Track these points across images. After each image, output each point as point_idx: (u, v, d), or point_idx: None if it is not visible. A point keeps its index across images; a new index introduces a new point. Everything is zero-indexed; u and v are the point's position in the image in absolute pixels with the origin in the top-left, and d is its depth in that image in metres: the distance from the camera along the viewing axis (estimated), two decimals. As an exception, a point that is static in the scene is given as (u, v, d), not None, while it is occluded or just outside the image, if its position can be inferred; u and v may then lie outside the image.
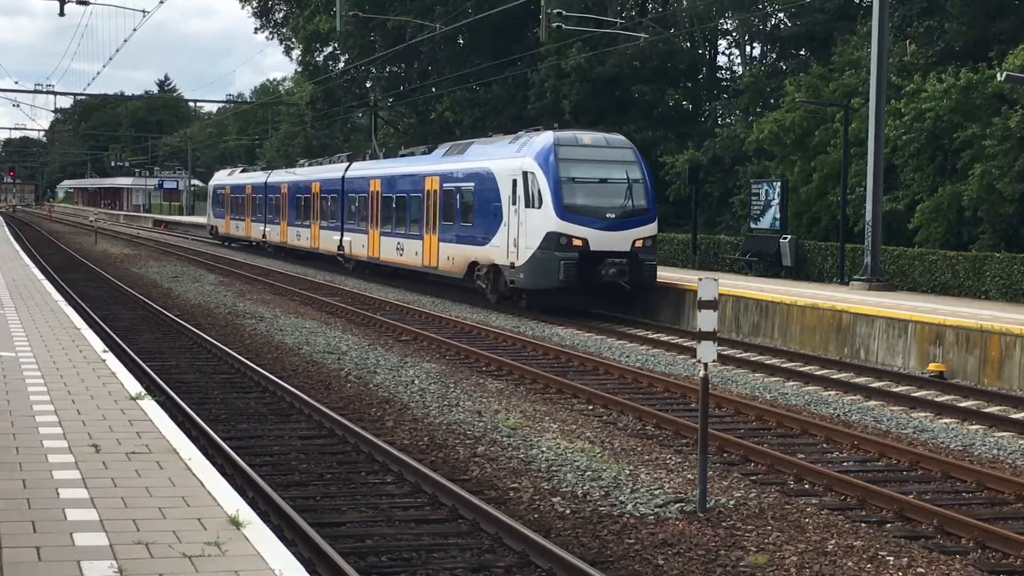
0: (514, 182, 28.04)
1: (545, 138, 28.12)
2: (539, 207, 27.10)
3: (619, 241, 27.09)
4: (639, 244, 27.26)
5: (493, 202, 29.14)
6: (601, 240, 26.91)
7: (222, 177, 67.80)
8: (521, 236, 27.58)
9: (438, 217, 32.72)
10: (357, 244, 40.98)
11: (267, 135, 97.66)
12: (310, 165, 51.28)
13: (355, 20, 57.10)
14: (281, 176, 53.47)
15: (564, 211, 26.78)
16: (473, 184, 30.49)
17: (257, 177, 58.49)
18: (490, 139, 33.18)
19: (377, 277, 39.32)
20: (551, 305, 27.61)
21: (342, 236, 42.59)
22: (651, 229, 27.84)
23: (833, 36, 41.08)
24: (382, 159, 42.55)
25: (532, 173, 27.43)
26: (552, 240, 26.78)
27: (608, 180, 27.75)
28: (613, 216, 27.17)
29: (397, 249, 36.46)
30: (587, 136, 28.96)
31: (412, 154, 38.50)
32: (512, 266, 27.94)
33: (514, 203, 28.03)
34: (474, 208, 30.33)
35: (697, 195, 37.35)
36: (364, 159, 44.84)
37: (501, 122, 53.32)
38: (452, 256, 31.74)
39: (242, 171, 65.24)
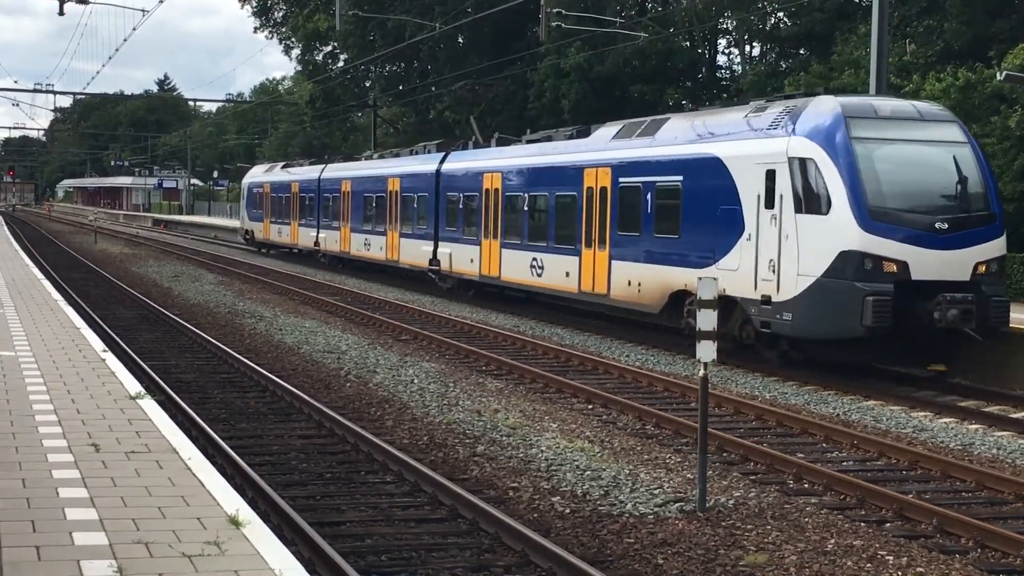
0: (769, 174, 19.13)
1: (823, 107, 19.17)
2: (825, 212, 18.25)
3: (955, 265, 18.24)
4: (982, 269, 18.44)
5: (722, 204, 20.24)
6: (927, 264, 18.05)
7: (259, 173, 57.35)
8: (786, 256, 18.66)
9: (610, 225, 24.01)
10: (462, 258, 31.66)
11: (267, 135, 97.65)
12: (380, 157, 42.56)
13: (355, 19, 57.14)
14: (341, 170, 44.13)
15: (870, 218, 17.96)
16: (680, 178, 21.70)
17: (306, 172, 48.64)
18: (695, 112, 23.98)
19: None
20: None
21: (436, 247, 33.40)
22: (998, 246, 18.74)
23: (833, 36, 41.08)
24: (495, 147, 32.16)
25: (810, 160, 18.50)
26: (850, 263, 17.92)
27: (931, 170, 18.88)
28: (944, 226, 18.19)
29: (534, 267, 27.38)
30: (886, 104, 19.79)
31: (549, 138, 29.12)
32: (766, 302, 19.04)
33: (768, 205, 19.08)
34: (681, 213, 21.59)
35: None
36: (465, 147, 34.73)
37: (501, 121, 53.35)
38: (637, 281, 22.88)
39: (284, 166, 54.53)
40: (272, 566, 6.61)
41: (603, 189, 24.42)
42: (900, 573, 9.36)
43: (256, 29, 76.02)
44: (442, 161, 33.82)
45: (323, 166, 46.61)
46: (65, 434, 10.05)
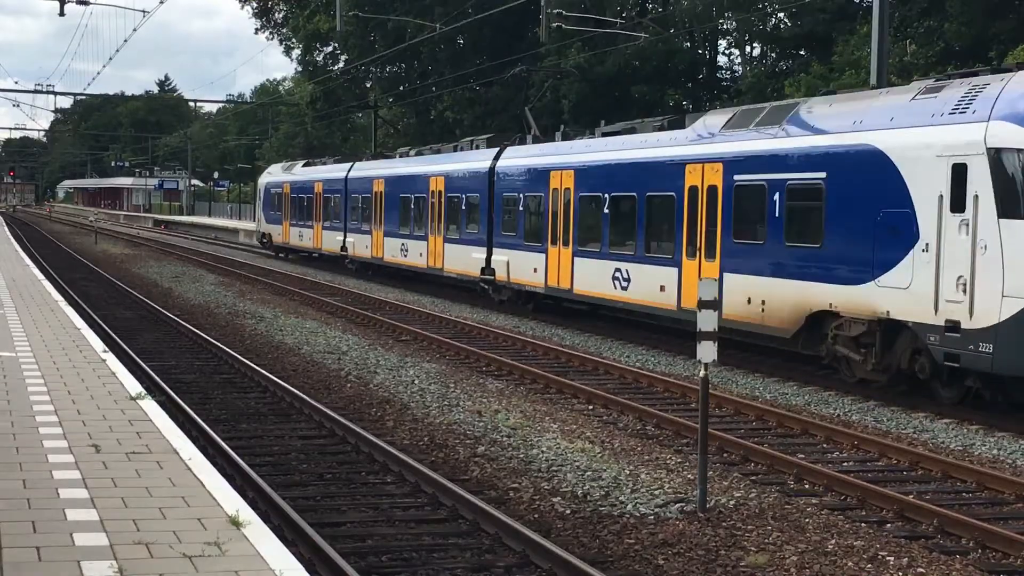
0: (957, 169, 15.55)
1: None
2: None
3: None
4: None
5: (885, 207, 16.76)
6: None
7: (278, 172, 53.27)
8: (985, 272, 15.12)
9: (721, 231, 20.37)
10: (523, 267, 27.94)
11: (267, 136, 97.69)
12: (418, 154, 38.46)
13: (355, 20, 57.16)
14: (372, 169, 40.49)
15: None
16: (822, 176, 17.97)
17: (332, 171, 45.04)
18: (834, 96, 19.48)
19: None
20: None
21: (490, 254, 29.85)
22: None
23: (833, 36, 41.10)
24: (561, 141, 28.25)
25: (1019, 152, 14.97)
26: None
27: None
28: None
29: (617, 279, 23.64)
30: None
31: (633, 130, 25.08)
32: (953, 328, 15.54)
33: (957, 208, 15.52)
34: (824, 217, 17.94)
35: None
36: (522, 142, 30.74)
37: (501, 122, 53.39)
38: (759, 299, 19.27)
39: (305, 164, 50.73)
40: (272, 566, 6.61)
41: (711, 189, 20.65)
42: (901, 574, 9.36)
43: (257, 30, 76.10)
44: (496, 158, 29.99)
45: (350, 164, 43.11)
46: (65, 435, 10.05)
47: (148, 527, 7.34)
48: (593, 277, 24.63)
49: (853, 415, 16.26)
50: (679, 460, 13.02)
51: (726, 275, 20.07)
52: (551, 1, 39.93)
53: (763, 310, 19.17)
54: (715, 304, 11.10)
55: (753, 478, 12.41)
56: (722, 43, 56.72)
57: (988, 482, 12.24)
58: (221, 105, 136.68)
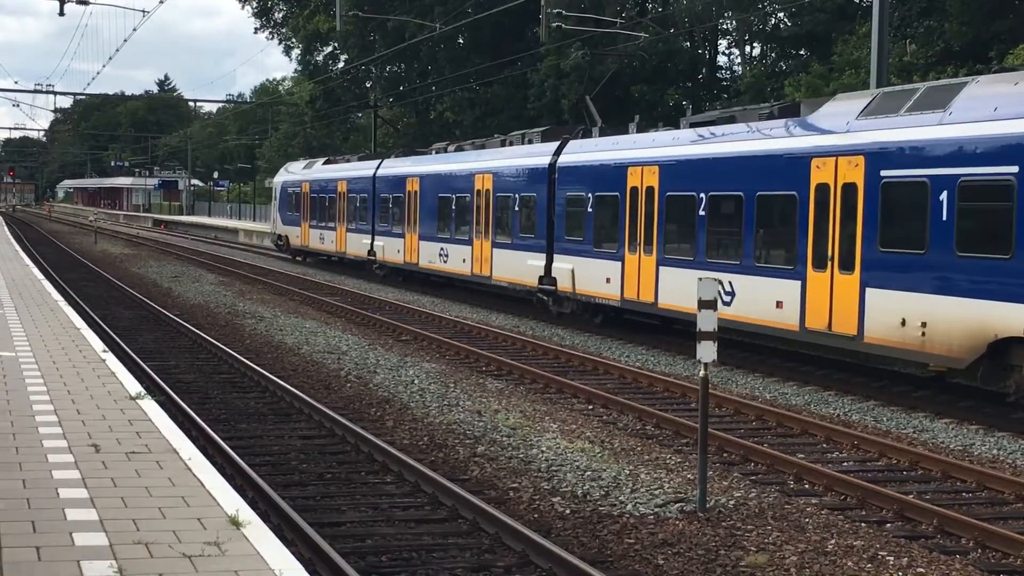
0: None
1: None
2: None
3: None
4: None
5: None
6: None
7: (296, 171, 49.47)
8: None
9: (862, 237, 17.30)
10: (592, 276, 24.52)
11: (267, 135, 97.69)
12: (458, 150, 34.49)
13: (355, 20, 57.15)
14: (405, 166, 36.84)
15: None
16: (1014, 170, 14.86)
17: (357, 169, 41.69)
18: (1010, 75, 16.70)
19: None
20: None
21: (551, 261, 26.40)
22: None
23: (833, 36, 41.12)
24: (636, 133, 24.72)
25: None
26: None
27: None
28: None
29: (732, 295, 19.89)
30: None
31: (732, 119, 21.78)
32: None
33: None
34: (1016, 220, 14.84)
35: None
36: (586, 135, 27.24)
37: (501, 122, 53.41)
38: (918, 320, 16.17)
39: (326, 161, 47.30)
40: (272, 566, 6.61)
41: (848, 187, 17.52)
42: (901, 573, 9.36)
43: (256, 30, 76.11)
44: (558, 153, 26.61)
45: (378, 161, 39.72)
46: (65, 434, 10.05)
47: (148, 527, 7.34)
48: (684, 290, 20.42)
49: (853, 415, 16.26)
50: (679, 460, 13.02)
51: (869, 290, 17.00)
52: (551, 1, 39.92)
53: (923, 334, 16.03)
54: (715, 304, 11.10)
55: (753, 478, 12.41)
56: (722, 43, 56.77)
57: (988, 482, 12.24)
58: (221, 105, 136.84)
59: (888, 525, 10.80)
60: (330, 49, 71.46)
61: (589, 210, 24.80)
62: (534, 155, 28.03)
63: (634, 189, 23.09)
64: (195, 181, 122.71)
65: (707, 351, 11.03)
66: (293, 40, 72.19)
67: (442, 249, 32.62)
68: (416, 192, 34.69)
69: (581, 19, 43.64)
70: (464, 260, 31.03)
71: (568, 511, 10.88)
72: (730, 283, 19.82)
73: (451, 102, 58.19)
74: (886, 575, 9.34)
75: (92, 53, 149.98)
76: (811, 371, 19.51)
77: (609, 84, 48.85)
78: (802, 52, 47.97)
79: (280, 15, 73.70)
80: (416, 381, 17.98)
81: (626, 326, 25.06)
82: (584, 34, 44.33)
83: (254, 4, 73.31)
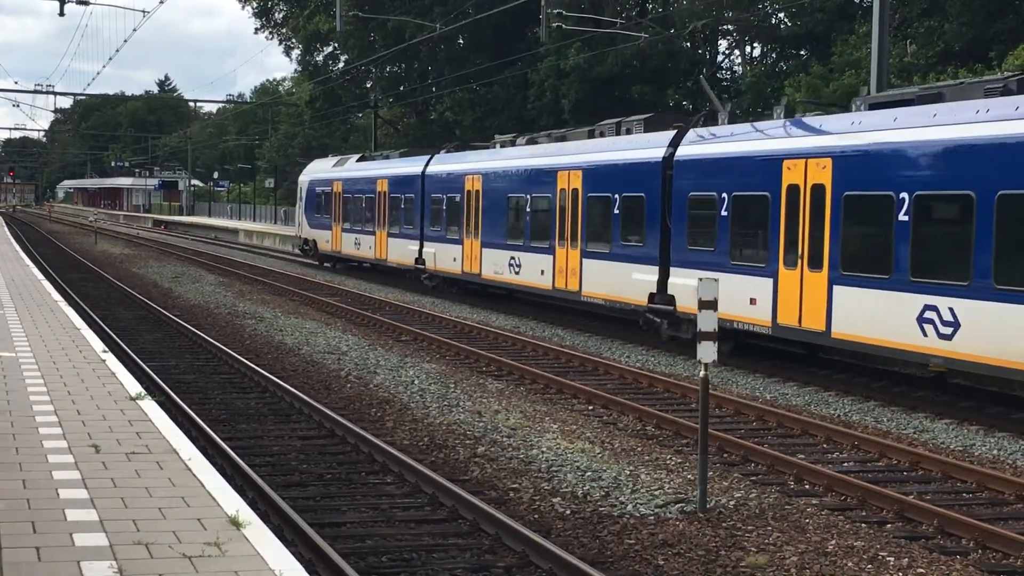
0: None
1: None
2: None
3: None
4: None
5: None
6: None
7: (326, 168, 44.92)
8: None
9: None
10: (732, 297, 19.29)
11: (267, 135, 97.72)
12: (530, 142, 29.69)
13: (355, 20, 57.14)
14: (463, 163, 32.15)
15: None
16: None
17: (401, 166, 37.05)
18: None
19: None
20: None
21: (666, 276, 22.04)
22: None
23: (833, 36, 41.12)
24: (783, 119, 20.12)
25: None
26: None
27: None
28: None
29: (936, 322, 15.88)
30: None
31: (940, 96, 17.15)
32: None
33: None
34: None
35: None
36: (708, 122, 22.62)
37: (501, 122, 53.43)
38: None
39: (361, 158, 42.75)
40: (272, 567, 6.61)
41: None
42: (901, 574, 9.36)
43: (257, 30, 76.13)
44: (675, 144, 22.17)
45: (428, 157, 35.10)
46: (65, 435, 10.04)
47: (148, 527, 7.33)
48: (880, 315, 16.73)
49: (853, 415, 16.25)
50: (679, 460, 13.02)
51: None
52: (551, 1, 39.92)
53: None
54: (714, 304, 11.10)
55: (753, 478, 12.41)
56: (722, 43, 56.79)
57: (988, 482, 12.24)
58: (221, 105, 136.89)
59: (888, 526, 10.80)
60: (330, 49, 71.48)
61: (723, 213, 20.32)
62: (640, 147, 23.42)
63: (792, 188, 18.75)
64: (195, 181, 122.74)
65: (707, 351, 11.02)
66: (293, 40, 72.20)
67: (513, 258, 28.17)
68: (478, 192, 30.23)
69: (581, 19, 43.64)
70: (543, 272, 26.59)
71: (568, 511, 10.87)
72: (955, 310, 15.45)
73: (451, 102, 58.16)
74: (886, 575, 9.34)
75: (92, 53, 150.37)
76: (811, 371, 19.50)
77: (609, 84, 48.90)
78: (802, 52, 47.96)
79: (280, 15, 73.72)
80: (416, 381, 17.97)
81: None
82: (584, 34, 44.34)
83: (254, 4, 73.33)
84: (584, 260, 24.95)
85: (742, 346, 20.79)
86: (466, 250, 30.94)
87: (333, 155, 48.34)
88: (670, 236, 21.99)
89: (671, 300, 21.77)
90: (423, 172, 34.43)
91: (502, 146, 31.25)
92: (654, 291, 22.30)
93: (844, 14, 42.57)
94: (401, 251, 35.91)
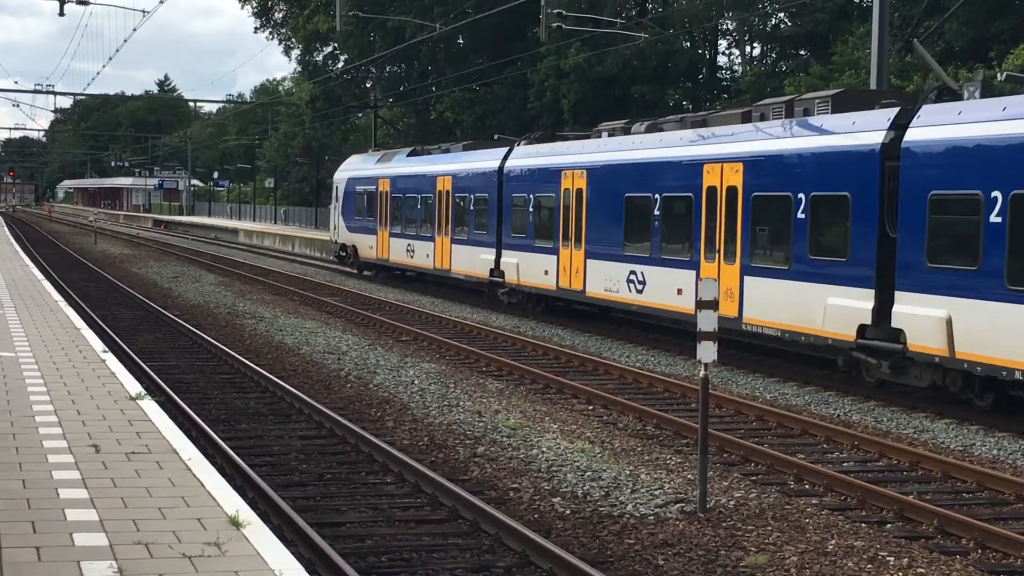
0: None
1: None
2: None
3: None
4: None
5: None
6: None
7: (368, 165, 39.75)
8: None
9: None
10: (990, 331, 14.97)
11: (267, 135, 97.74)
12: (651, 130, 24.01)
13: (355, 20, 57.14)
14: (555, 155, 26.81)
15: None
16: None
17: (471, 161, 31.52)
18: None
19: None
20: None
21: (886, 303, 16.86)
22: None
23: (832, 36, 41.16)
24: None
25: None
26: None
27: None
28: None
29: None
30: None
31: None
32: None
33: None
34: None
35: None
36: (934, 99, 17.14)
37: (501, 122, 53.44)
38: None
39: (412, 153, 37.27)
40: (272, 567, 6.61)
41: None
42: (901, 574, 9.36)
43: (256, 29, 76.16)
44: (896, 128, 16.87)
45: (506, 149, 29.78)
46: (65, 435, 10.04)
47: (148, 527, 7.33)
48: None
49: (853, 415, 16.26)
50: (679, 460, 13.02)
51: None
52: (551, 1, 39.91)
53: None
54: (715, 304, 11.10)
55: (753, 478, 12.41)
56: (722, 43, 56.80)
57: (988, 482, 12.24)
58: (221, 105, 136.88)
59: (888, 525, 10.80)
60: (330, 49, 71.51)
61: (999, 220, 14.87)
62: (839, 133, 17.99)
63: None
64: (195, 181, 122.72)
65: (707, 351, 11.03)
66: (293, 40, 72.22)
67: (634, 273, 22.90)
68: (580, 191, 25.13)
69: (581, 19, 43.65)
70: (680, 292, 21.26)
71: (568, 511, 10.88)
72: None
73: (451, 102, 58.17)
74: (886, 575, 9.34)
75: (92, 53, 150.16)
76: (811, 371, 19.50)
77: (609, 84, 48.92)
78: (802, 52, 47.98)
79: (280, 15, 73.74)
80: (416, 381, 17.97)
81: (624, 325, 22.46)
82: (584, 34, 44.34)
83: (254, 4, 73.36)
84: (746, 279, 19.51)
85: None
86: (563, 261, 25.73)
87: (374, 150, 44.26)
88: (895, 248, 16.61)
89: (898, 336, 16.42)
90: (500, 168, 29.22)
91: (611, 134, 25.50)
92: (866, 322, 17.08)
93: (844, 14, 42.60)
94: (470, 261, 30.49)
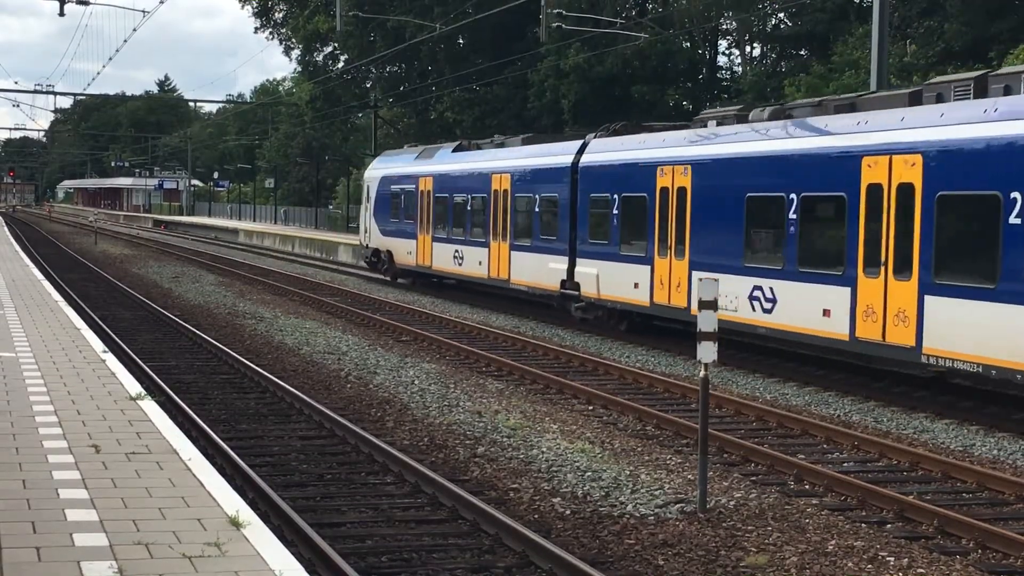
0: None
1: None
2: None
3: None
4: None
5: None
6: None
7: (405, 161, 36.08)
8: None
9: None
10: None
11: (267, 135, 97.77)
12: (775, 117, 20.23)
13: (355, 20, 57.17)
14: (645, 150, 23.12)
15: None
16: None
17: (536, 156, 27.83)
18: None
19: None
20: None
21: None
22: None
23: (832, 36, 41.18)
24: None
25: None
26: None
27: None
28: None
29: None
30: None
31: None
32: None
33: None
34: None
35: None
36: None
37: (501, 121, 53.46)
38: None
39: (457, 148, 33.50)
40: (272, 567, 6.61)
41: None
42: (901, 574, 9.36)
43: (256, 29, 76.18)
44: None
45: (579, 143, 25.93)
46: (65, 435, 10.04)
47: (148, 527, 7.33)
48: None
49: (853, 415, 16.25)
50: (679, 460, 13.02)
51: None
52: (551, 1, 39.92)
53: None
54: (714, 305, 11.10)
55: (753, 478, 12.41)
56: (722, 43, 56.82)
57: (988, 482, 12.23)
58: (221, 105, 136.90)
59: (888, 526, 10.79)
60: (330, 49, 71.53)
61: None
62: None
63: None
64: (195, 181, 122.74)
65: (707, 351, 11.03)
66: (293, 40, 72.23)
67: (760, 289, 19.16)
68: (683, 190, 21.37)
69: (581, 19, 43.66)
70: (829, 313, 17.60)
71: (568, 512, 10.87)
72: None
73: (451, 102, 58.19)
74: (886, 575, 9.35)
75: (92, 53, 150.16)
76: (811, 372, 19.50)
77: (609, 84, 48.94)
78: (802, 52, 48.00)
79: (280, 15, 73.75)
80: (416, 382, 17.97)
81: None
82: (584, 34, 44.35)
83: (254, 4, 73.38)
84: (928, 299, 15.82)
85: None
86: (659, 273, 21.92)
87: (410, 145, 40.20)
88: None
89: None
90: (574, 164, 25.44)
91: (720, 122, 21.67)
92: None
93: (844, 14, 42.62)
94: (535, 270, 26.81)
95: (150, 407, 11.56)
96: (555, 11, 40.60)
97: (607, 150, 24.60)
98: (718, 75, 55.81)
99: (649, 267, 22.25)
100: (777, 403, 17.06)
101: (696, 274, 20.26)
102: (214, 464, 10.19)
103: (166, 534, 7.19)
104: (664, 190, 21.93)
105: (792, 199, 18.59)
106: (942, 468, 12.83)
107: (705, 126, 21.98)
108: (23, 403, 11.48)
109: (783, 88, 38.87)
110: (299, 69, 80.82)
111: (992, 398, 17.14)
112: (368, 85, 70.34)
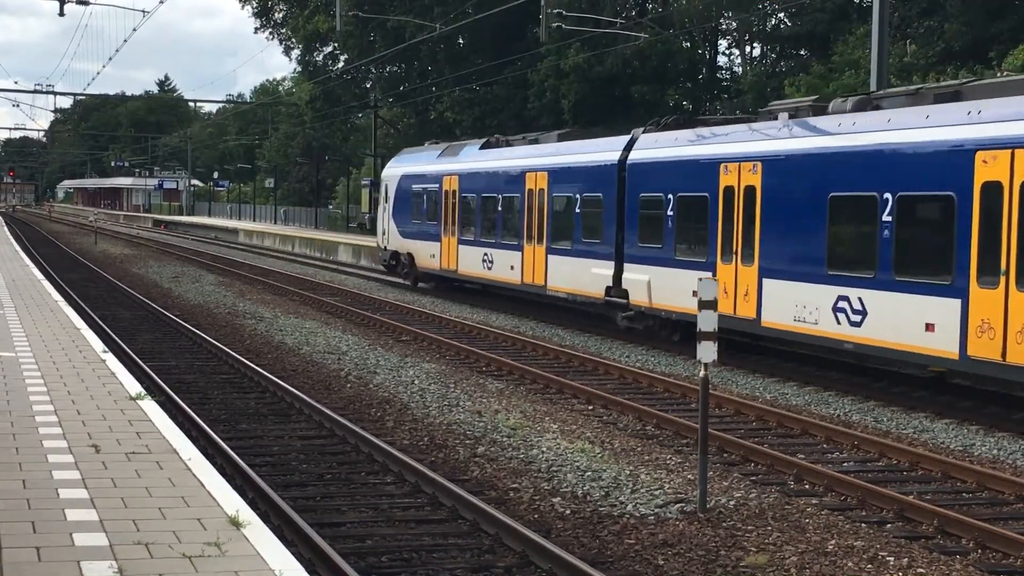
0: None
1: None
2: None
3: None
4: None
5: None
6: None
7: (429, 159, 34.12)
8: None
9: None
10: None
11: (267, 135, 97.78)
12: (857, 107, 18.18)
13: (355, 20, 57.17)
14: (705, 145, 21.26)
15: None
16: None
17: (573, 154, 25.92)
18: None
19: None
20: None
21: None
22: None
23: (832, 36, 41.19)
24: None
25: None
26: None
27: None
28: None
29: None
30: None
31: None
32: None
33: None
34: None
35: None
36: None
37: (501, 121, 53.46)
38: None
39: (485, 145, 31.52)
40: (272, 567, 6.61)
41: None
42: (901, 574, 9.36)
43: (256, 30, 76.17)
44: None
45: (626, 139, 23.88)
46: (65, 435, 10.04)
47: (148, 527, 7.33)
48: None
49: (853, 415, 16.25)
50: (679, 460, 13.02)
51: None
52: (551, 1, 39.91)
53: None
54: (714, 304, 11.11)
55: (753, 478, 12.41)
56: (722, 43, 56.83)
57: (988, 482, 12.23)
58: (221, 105, 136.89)
59: (888, 525, 10.79)
60: (330, 49, 71.53)
61: None
62: None
63: None
64: (195, 181, 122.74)
65: (707, 351, 11.03)
66: (293, 40, 72.22)
67: (847, 299, 17.32)
68: (753, 189, 19.46)
69: (581, 19, 43.66)
70: (931, 327, 15.77)
71: (568, 511, 10.87)
72: None
73: (451, 102, 58.20)
74: (886, 575, 9.34)
75: (92, 53, 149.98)
76: (811, 371, 19.50)
77: (609, 84, 48.94)
78: (802, 52, 48.02)
79: (280, 15, 73.75)
80: (416, 381, 17.97)
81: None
82: (584, 34, 44.35)
83: (254, 4, 73.36)
84: None
85: None
86: (722, 280, 19.83)
87: (432, 142, 37.26)
88: None
89: None
90: (621, 161, 23.51)
91: (794, 115, 19.46)
92: None
93: (844, 14, 42.63)
94: (576, 276, 24.96)
95: (150, 407, 11.56)
96: (555, 11, 40.59)
97: (659, 146, 22.56)
98: (718, 75, 55.81)
99: (711, 274, 19.95)
100: (777, 403, 17.06)
101: (768, 282, 19.03)
102: (214, 464, 10.19)
103: (166, 534, 7.19)
104: (728, 189, 20.08)
105: (887, 199, 16.65)
106: (942, 468, 12.83)
107: (775, 118, 19.89)
108: (23, 403, 11.48)
109: (783, 88, 38.86)
110: (299, 69, 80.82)
111: (992, 398, 17.14)
112: (368, 85, 70.34)
